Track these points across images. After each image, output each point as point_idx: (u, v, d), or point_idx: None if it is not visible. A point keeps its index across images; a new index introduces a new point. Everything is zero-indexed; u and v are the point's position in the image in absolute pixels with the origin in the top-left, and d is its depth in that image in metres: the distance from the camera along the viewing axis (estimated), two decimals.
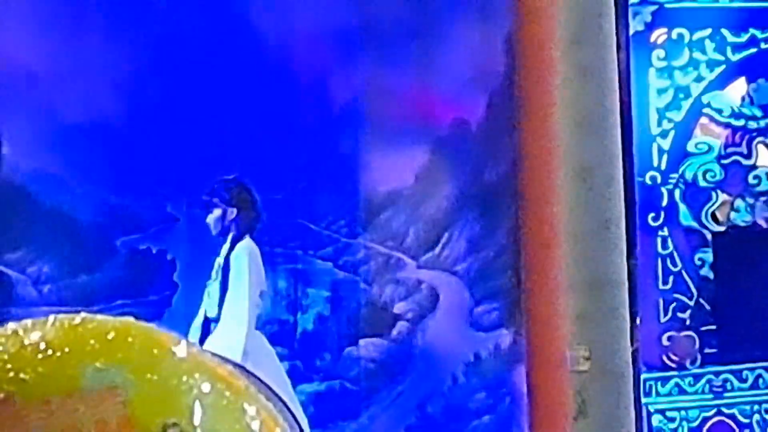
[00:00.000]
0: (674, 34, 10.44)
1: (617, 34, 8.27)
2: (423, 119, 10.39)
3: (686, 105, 10.49)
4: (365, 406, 10.37)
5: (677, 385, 10.29)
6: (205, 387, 1.02)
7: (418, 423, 10.37)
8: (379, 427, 10.47)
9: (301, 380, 10.25)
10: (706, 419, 10.22)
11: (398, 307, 10.31)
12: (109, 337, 1.02)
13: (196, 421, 0.99)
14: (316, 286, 10.29)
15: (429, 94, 10.49)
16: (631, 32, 10.06)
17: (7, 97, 10.25)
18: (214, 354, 1.08)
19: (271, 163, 10.23)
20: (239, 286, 10.06)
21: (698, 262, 10.53)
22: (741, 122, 10.58)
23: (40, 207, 10.25)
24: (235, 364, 1.07)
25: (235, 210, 10.13)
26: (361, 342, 10.31)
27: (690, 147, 10.54)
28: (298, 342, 10.38)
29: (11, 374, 0.99)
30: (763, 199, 10.55)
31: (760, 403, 10.15)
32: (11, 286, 10.09)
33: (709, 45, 10.57)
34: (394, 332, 10.32)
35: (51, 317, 1.03)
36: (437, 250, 10.28)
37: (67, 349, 1.01)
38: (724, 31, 10.54)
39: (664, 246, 10.50)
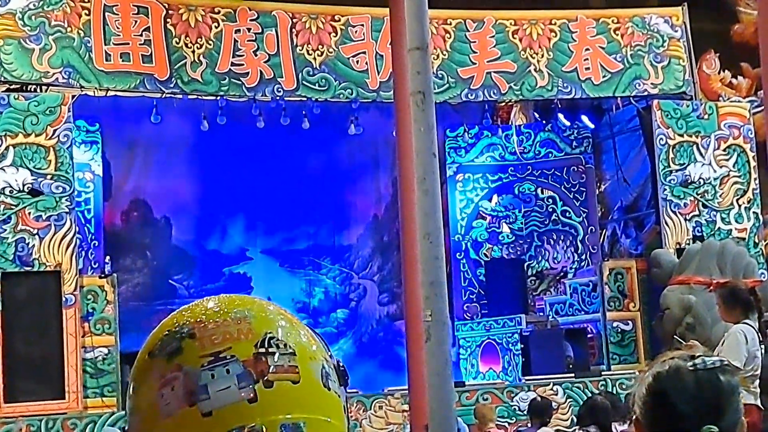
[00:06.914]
0: (466, 176, 16.33)
1: (441, 175, 11.61)
2: (361, 214, 16.57)
3: (471, 206, 16.38)
4: (342, 336, 16.34)
5: (470, 327, 15.71)
6: (283, 321, 1.50)
7: (361, 343, 16.39)
8: (350, 345, 16.12)
9: (314, 326, 13.37)
10: (482, 341, 15.21)
11: (351, 295, 16.52)
12: (239, 301, 1.54)
13: (280, 334, 1.46)
14: (318, 286, 16.49)
15: (364, 204, 16.61)
16: (448, 174, 15.75)
17: (178, 207, 15.63)
18: (284, 309, 1.60)
19: (298, 229, 16.06)
20: None
21: (478, 274, 16.31)
22: (495, 213, 16.43)
23: (189, 254, 16.07)
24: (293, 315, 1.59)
25: None
26: (338, 310, 16.47)
27: (474, 224, 16.44)
28: (311, 311, 16.29)
29: (201, 314, 1.50)
30: (504, 246, 16.35)
31: (504, 334, 14.72)
32: (175, 290, 15.73)
33: (481, 180, 16.39)
34: (350, 305, 16.54)
35: (216, 296, 1.56)
36: (366, 270, 16.59)
37: (221, 305, 1.53)
38: (488, 174, 16.34)
39: (463, 267, 16.33)
